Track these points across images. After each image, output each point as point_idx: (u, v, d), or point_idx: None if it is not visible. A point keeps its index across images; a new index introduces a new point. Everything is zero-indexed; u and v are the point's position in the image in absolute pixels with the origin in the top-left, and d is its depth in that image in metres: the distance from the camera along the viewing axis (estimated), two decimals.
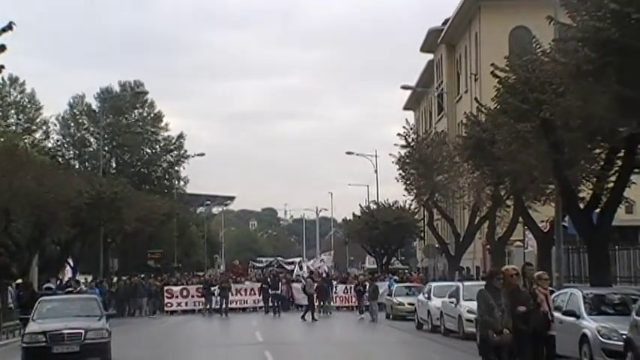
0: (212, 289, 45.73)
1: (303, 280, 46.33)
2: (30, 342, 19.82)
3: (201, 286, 46.89)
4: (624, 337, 16.30)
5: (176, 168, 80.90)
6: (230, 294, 46.29)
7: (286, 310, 44.00)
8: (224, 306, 43.68)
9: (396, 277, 49.72)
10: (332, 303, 43.44)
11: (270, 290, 44.26)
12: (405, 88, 62.24)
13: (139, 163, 79.96)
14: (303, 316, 38.97)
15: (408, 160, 44.22)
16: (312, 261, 59.57)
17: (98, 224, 48.64)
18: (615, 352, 16.42)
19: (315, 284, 42.17)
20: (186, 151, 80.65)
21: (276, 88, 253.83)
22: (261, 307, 45.37)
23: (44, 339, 19.65)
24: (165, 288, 46.47)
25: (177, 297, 45.97)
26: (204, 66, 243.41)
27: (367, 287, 40.16)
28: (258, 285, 46.60)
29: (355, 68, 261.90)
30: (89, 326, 20.13)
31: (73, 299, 25.47)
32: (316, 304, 40.82)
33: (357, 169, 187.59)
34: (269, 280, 46.15)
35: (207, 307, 45.07)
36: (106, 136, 73.87)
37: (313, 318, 38.50)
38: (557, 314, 17.19)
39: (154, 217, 59.11)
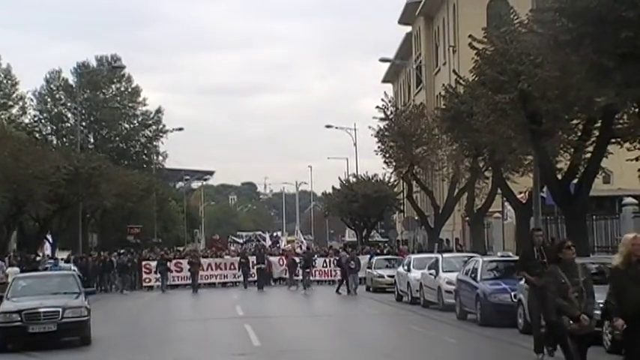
0: (168, 264, 45.05)
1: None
2: (4, 321, 18.78)
3: (181, 261, 46.26)
4: (601, 305, 16.39)
5: (155, 143, 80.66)
6: (210, 269, 46.19)
7: (266, 284, 43.94)
8: (194, 282, 42.93)
9: (377, 251, 49.82)
10: (312, 277, 43.33)
11: (255, 265, 44.07)
12: (383, 60, 62.06)
13: (117, 139, 79.61)
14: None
15: (386, 133, 44.17)
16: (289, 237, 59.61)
17: (76, 200, 48.43)
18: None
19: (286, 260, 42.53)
20: (164, 125, 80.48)
21: (254, 61, 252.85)
22: (241, 282, 45.13)
23: (19, 318, 18.71)
24: (144, 263, 45.43)
25: (155, 272, 45.24)
26: (181, 39, 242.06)
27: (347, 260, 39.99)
28: (238, 259, 46.26)
29: (333, 41, 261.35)
30: (66, 304, 19.18)
31: (49, 276, 24.59)
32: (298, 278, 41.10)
33: (337, 143, 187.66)
34: (256, 254, 46.05)
35: (164, 283, 43.66)
36: (83, 111, 73.47)
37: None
38: None
39: (133, 192, 59.03)
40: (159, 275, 44.65)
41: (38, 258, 43.33)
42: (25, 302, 19.28)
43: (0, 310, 19.28)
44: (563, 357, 11.74)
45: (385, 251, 48.79)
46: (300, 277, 42.37)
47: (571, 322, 10.82)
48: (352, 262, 38.41)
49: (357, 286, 38.18)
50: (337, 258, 42.96)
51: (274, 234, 69.07)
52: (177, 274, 45.61)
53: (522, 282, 17.76)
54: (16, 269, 32.98)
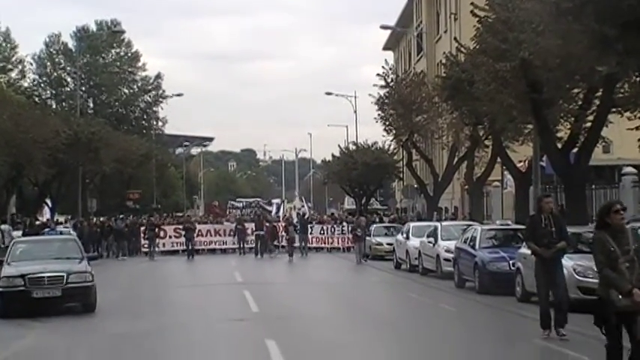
0: (161, 231, 44.79)
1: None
2: (6, 286, 18.37)
3: (180, 226, 45.92)
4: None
5: (154, 108, 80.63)
6: (209, 235, 46.12)
7: (265, 252, 43.69)
8: (190, 248, 42.34)
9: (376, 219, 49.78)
10: (308, 244, 43.14)
11: (254, 231, 43.98)
12: (384, 27, 61.70)
13: (117, 104, 79.51)
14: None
15: (387, 101, 44.05)
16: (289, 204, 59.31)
17: (76, 165, 48.38)
18: (591, 289, 16.51)
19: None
20: (164, 91, 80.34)
21: (254, 28, 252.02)
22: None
23: (22, 283, 18.27)
24: (142, 229, 45.44)
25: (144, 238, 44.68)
26: (181, 4, 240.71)
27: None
28: (233, 226, 45.83)
29: (334, 8, 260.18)
30: (71, 269, 18.75)
31: (50, 240, 24.02)
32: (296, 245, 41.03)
33: (337, 110, 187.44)
34: (255, 220, 45.93)
35: (151, 249, 42.99)
36: (82, 75, 73.25)
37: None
38: (528, 252, 17.30)
39: (133, 157, 59.01)
40: (157, 240, 44.21)
41: (38, 222, 43.22)
42: (28, 267, 18.84)
43: (2, 275, 18.83)
44: (604, 338, 9.69)
45: (387, 220, 48.53)
46: (297, 244, 42.25)
47: (620, 296, 9.15)
48: (358, 230, 37.36)
49: (362, 254, 36.80)
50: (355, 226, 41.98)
51: (277, 201, 68.76)
52: (175, 239, 45.44)
53: (529, 252, 17.26)
54: (19, 233, 32.84)
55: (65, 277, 18.47)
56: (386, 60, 48.11)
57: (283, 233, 44.87)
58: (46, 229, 37.46)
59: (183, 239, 43.86)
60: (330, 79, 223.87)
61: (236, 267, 35.07)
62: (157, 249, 43.71)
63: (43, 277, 18.43)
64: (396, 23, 67.56)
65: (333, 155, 66.65)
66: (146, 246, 43.79)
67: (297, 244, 42.17)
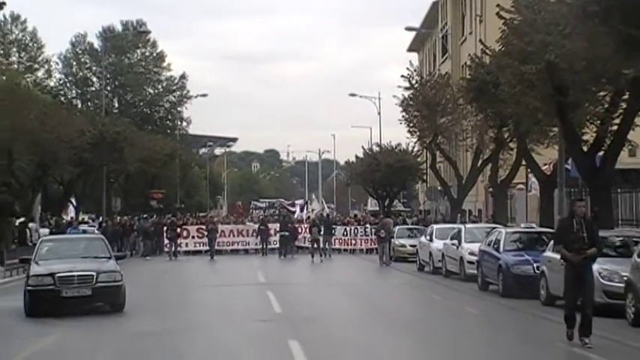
0: (184, 230, 44.87)
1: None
2: (36, 284, 18.16)
3: (203, 226, 46.02)
4: (625, 278, 16.38)
5: (178, 108, 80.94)
6: (232, 235, 46.16)
7: (290, 252, 43.63)
8: (212, 248, 42.56)
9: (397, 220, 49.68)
10: (331, 246, 43.07)
11: (277, 232, 44.03)
12: (409, 29, 61.58)
13: (142, 104, 79.87)
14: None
15: (411, 103, 43.94)
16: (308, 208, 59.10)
17: (101, 164, 48.61)
18: (616, 293, 16.50)
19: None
20: (188, 91, 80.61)
21: (278, 29, 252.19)
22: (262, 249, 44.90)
23: (52, 281, 18.06)
24: (165, 229, 45.55)
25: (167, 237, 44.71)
26: (206, 5, 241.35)
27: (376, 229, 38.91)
28: (256, 226, 45.83)
29: (359, 9, 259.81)
30: (100, 268, 18.63)
31: (77, 239, 23.64)
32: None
33: (360, 111, 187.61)
34: (279, 221, 45.92)
35: (172, 250, 42.70)
36: (108, 75, 73.67)
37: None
38: (553, 255, 17.22)
39: (157, 157, 59.19)
40: (180, 240, 44.27)
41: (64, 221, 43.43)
42: (57, 265, 18.63)
43: (31, 274, 18.66)
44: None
45: (411, 222, 48.43)
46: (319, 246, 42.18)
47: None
48: (382, 231, 37.16)
49: (387, 256, 36.56)
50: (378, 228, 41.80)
51: (300, 202, 68.68)
52: (198, 240, 45.39)
53: (554, 255, 16.96)
54: (46, 231, 32.97)
55: (95, 276, 18.33)
56: (410, 61, 48.05)
57: (306, 234, 44.91)
58: (69, 228, 37.70)
59: (206, 239, 43.96)
60: (354, 80, 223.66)
61: (259, 267, 35.13)
62: (179, 249, 43.76)
63: (73, 276, 18.29)
64: (421, 25, 67.38)
65: (356, 156, 66.62)
66: (168, 246, 43.64)
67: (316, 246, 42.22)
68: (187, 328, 16.76)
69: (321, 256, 40.80)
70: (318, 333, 15.93)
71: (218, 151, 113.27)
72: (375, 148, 62.84)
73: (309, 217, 52.12)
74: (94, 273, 18.37)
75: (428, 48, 74.32)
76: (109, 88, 74.95)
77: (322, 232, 42.00)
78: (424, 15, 69.48)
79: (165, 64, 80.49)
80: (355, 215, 61.36)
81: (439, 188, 48.90)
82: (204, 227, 45.21)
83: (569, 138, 25.56)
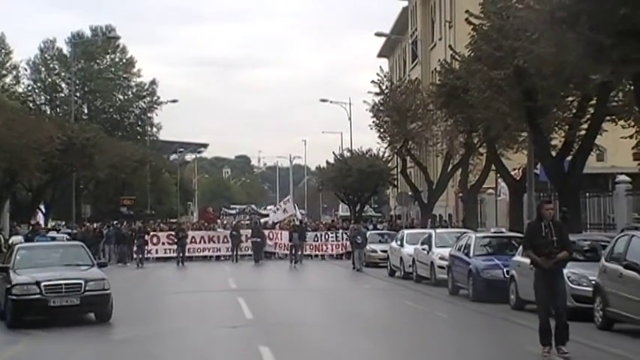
0: (157, 238, 44.58)
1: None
2: (21, 294, 17.23)
3: (173, 233, 45.70)
4: (593, 282, 16.50)
5: (149, 114, 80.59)
6: (203, 241, 45.95)
7: (262, 259, 43.56)
8: (181, 255, 42.31)
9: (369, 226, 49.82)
10: (303, 251, 43.07)
11: (250, 238, 43.97)
12: (379, 35, 61.77)
13: (111, 110, 79.49)
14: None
15: (381, 108, 44.07)
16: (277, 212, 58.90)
17: (70, 170, 48.32)
18: (584, 297, 16.62)
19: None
20: (159, 97, 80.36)
21: (250, 35, 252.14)
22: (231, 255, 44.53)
23: (38, 290, 17.18)
24: (133, 235, 45.04)
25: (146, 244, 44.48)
26: (177, 11, 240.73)
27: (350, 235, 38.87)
28: (227, 232, 45.75)
29: (330, 15, 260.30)
30: (88, 276, 17.87)
31: (55, 246, 22.85)
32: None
33: (331, 117, 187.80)
34: (252, 227, 45.84)
35: (140, 257, 42.05)
36: (77, 81, 73.26)
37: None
38: (522, 260, 17.32)
39: (127, 163, 58.96)
40: (150, 247, 44.10)
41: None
42: (42, 273, 17.79)
43: (14, 282, 17.61)
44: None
45: (382, 227, 48.60)
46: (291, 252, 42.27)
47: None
48: (358, 237, 37.01)
49: (360, 262, 36.54)
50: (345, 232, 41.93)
51: (272, 208, 68.52)
52: (169, 246, 45.17)
53: (523, 260, 16.63)
54: (20, 238, 32.45)
55: (83, 284, 17.58)
56: (380, 67, 48.14)
57: (278, 240, 44.96)
58: (36, 236, 37.00)
59: (174, 246, 43.74)
60: (325, 86, 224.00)
61: (230, 274, 35.02)
62: (148, 256, 43.36)
63: (61, 284, 17.47)
64: (391, 30, 67.66)
65: (327, 162, 66.67)
66: (136, 253, 42.94)
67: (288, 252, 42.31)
68: (157, 334, 16.68)
69: (296, 262, 40.81)
70: (289, 339, 15.90)
71: (189, 157, 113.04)
72: (346, 154, 62.91)
73: (286, 221, 51.60)
74: (82, 281, 17.64)
75: (398, 54, 74.59)
76: (78, 94, 74.50)
77: (295, 238, 42.05)
78: (394, 21, 69.78)
79: (135, 70, 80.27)
80: (332, 221, 61.36)
81: (410, 193, 49.03)
82: (174, 234, 44.97)
83: (538, 143, 25.74)
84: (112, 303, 18.09)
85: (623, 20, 16.20)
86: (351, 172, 57.58)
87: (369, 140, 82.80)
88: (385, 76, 45.71)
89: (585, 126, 24.66)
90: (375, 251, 38.52)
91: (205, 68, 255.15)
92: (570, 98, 24.91)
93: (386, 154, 55.66)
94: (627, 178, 27.92)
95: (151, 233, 45.72)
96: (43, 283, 17.36)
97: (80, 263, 18.97)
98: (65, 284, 17.51)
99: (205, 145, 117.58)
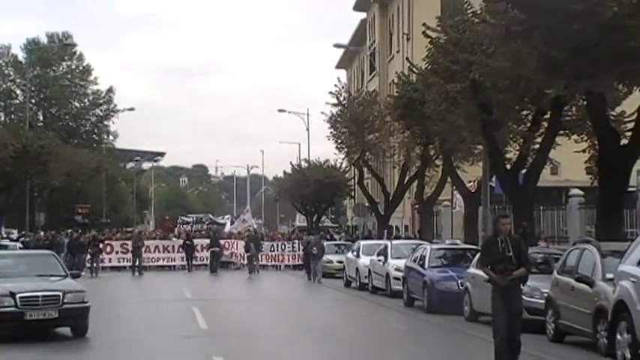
0: (109, 246, 44.28)
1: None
2: None
3: (127, 242, 45.16)
4: (545, 295, 16.67)
5: (105, 122, 79.81)
6: (157, 251, 45.48)
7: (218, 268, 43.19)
8: (137, 264, 41.77)
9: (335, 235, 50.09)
10: (259, 262, 42.88)
11: (207, 248, 43.68)
12: (337, 46, 62.06)
13: (67, 117, 78.64)
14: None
15: (339, 119, 44.25)
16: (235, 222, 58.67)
17: (24, 178, 47.78)
18: (537, 309, 16.76)
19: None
20: (115, 105, 79.57)
21: (208, 43, 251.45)
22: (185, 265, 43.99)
23: (13, 302, 15.91)
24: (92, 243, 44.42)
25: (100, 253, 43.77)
26: (135, 17, 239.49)
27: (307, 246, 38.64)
28: (181, 242, 45.20)
29: (289, 24, 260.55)
30: (65, 288, 16.64)
31: (24, 255, 21.30)
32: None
33: (289, 127, 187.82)
34: (210, 236, 45.56)
35: (94, 266, 41.15)
36: (32, 88, 72.41)
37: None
38: (477, 272, 17.44)
39: (82, 171, 58.44)
40: (104, 256, 43.49)
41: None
42: (15, 284, 16.47)
43: None
44: None
45: (339, 238, 48.66)
46: (246, 262, 42.17)
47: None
48: (314, 249, 36.75)
49: (319, 273, 36.21)
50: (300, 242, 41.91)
51: (228, 216, 68.22)
52: (122, 255, 44.65)
53: (477, 272, 16.65)
54: None
55: (61, 296, 16.31)
56: (338, 78, 48.33)
57: (235, 249, 44.82)
58: None
59: (130, 255, 43.27)
60: (284, 96, 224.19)
61: (185, 283, 34.81)
62: (101, 265, 42.71)
63: (38, 296, 16.13)
64: (350, 42, 67.92)
65: (285, 172, 66.70)
66: (89, 262, 41.79)
67: (245, 262, 42.16)
68: (107, 344, 16.51)
69: (252, 272, 40.67)
70: (243, 349, 15.83)
71: (146, 165, 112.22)
72: (304, 164, 62.98)
73: (243, 231, 51.29)
74: (60, 293, 16.35)
75: (356, 65, 74.89)
76: (33, 100, 73.65)
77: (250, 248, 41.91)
78: (353, 32, 70.06)
79: (91, 78, 79.50)
80: (293, 231, 61.35)
81: (367, 204, 49.22)
82: (128, 243, 44.48)
83: (492, 155, 25.99)
84: (88, 317, 16.90)
85: (576, 36, 16.43)
86: (308, 183, 57.67)
87: (327, 151, 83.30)
88: (343, 87, 45.92)
89: (539, 140, 24.94)
90: (331, 262, 38.51)
91: (163, 75, 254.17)
92: (525, 112, 25.21)
93: (343, 165, 55.84)
94: (580, 192, 28.29)
95: (105, 242, 45.13)
96: (18, 295, 16.02)
97: (53, 274, 17.65)
98: (43, 296, 16.22)
99: (162, 154, 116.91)
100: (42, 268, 17.92)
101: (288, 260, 46.01)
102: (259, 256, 43.07)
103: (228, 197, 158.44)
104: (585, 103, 21.56)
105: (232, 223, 60.23)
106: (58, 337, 17.03)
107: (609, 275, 13.95)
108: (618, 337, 12.61)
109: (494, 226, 12.86)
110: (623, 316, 12.46)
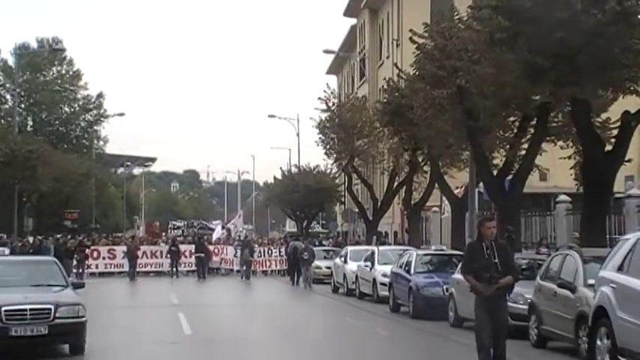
0: (99, 252, 44.15)
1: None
2: None
3: (115, 247, 45.02)
4: (529, 301, 16.69)
5: (95, 127, 79.68)
6: (145, 257, 45.19)
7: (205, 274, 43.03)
8: (132, 269, 41.81)
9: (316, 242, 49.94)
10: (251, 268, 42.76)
11: (193, 253, 43.52)
12: (327, 52, 62.02)
13: (57, 122, 78.53)
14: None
15: (328, 125, 44.28)
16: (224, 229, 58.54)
17: (12, 183, 47.67)
18: (520, 315, 16.78)
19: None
20: (105, 110, 79.48)
21: (198, 47, 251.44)
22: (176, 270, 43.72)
23: None
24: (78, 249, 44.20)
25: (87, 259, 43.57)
26: (124, 21, 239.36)
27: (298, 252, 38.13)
28: (167, 247, 44.84)
29: (280, 30, 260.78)
30: (59, 300, 14.89)
31: (22, 262, 19.04)
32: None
33: (280, 133, 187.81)
34: (195, 242, 45.41)
35: (79, 271, 40.55)
36: (22, 93, 72.29)
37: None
38: (462, 277, 17.44)
39: (72, 177, 58.29)
40: (91, 261, 43.26)
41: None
42: (2, 295, 14.82)
43: None
44: None
45: (327, 243, 48.70)
46: (236, 268, 42.06)
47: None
48: (305, 254, 36.28)
49: (310, 279, 35.86)
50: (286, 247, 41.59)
51: (218, 222, 68.13)
52: (110, 261, 44.50)
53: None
54: None
55: (53, 310, 14.57)
56: (327, 84, 48.43)
57: (224, 255, 44.72)
58: None
59: (117, 261, 43.15)
60: (275, 101, 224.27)
61: (172, 289, 34.74)
62: (88, 271, 42.45)
63: (25, 309, 14.44)
64: (340, 48, 67.96)
65: (275, 178, 66.72)
66: (75, 268, 41.19)
67: (236, 267, 42.08)
68: (91, 351, 16.43)
69: (243, 277, 40.62)
70: (228, 355, 15.85)
71: (136, 170, 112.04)
72: (294, 170, 63.01)
73: (244, 238, 51.00)
74: (51, 306, 14.59)
75: (347, 71, 74.95)
76: (22, 105, 73.51)
77: (239, 254, 41.89)
78: (343, 38, 70.15)
79: (81, 83, 79.42)
80: (285, 237, 61.28)
81: (355, 210, 49.24)
82: (115, 248, 44.24)
83: (479, 162, 26.03)
84: (85, 333, 15.21)
85: (559, 43, 16.51)
86: (298, 188, 57.72)
87: (317, 157, 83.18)
88: (332, 93, 45.97)
89: (525, 146, 25.00)
90: (319, 267, 38.49)
91: (153, 81, 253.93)
92: (511, 118, 25.27)
93: (333, 171, 55.87)
94: (567, 198, 28.35)
95: (92, 247, 44.92)
96: (3, 309, 14.30)
97: (52, 283, 15.92)
98: (31, 309, 14.48)
99: (153, 159, 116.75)
100: (41, 277, 16.17)
101: (275, 265, 45.86)
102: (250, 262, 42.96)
103: (219, 203, 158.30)
104: (570, 109, 21.61)
105: (223, 227, 60.16)
106: (46, 352, 15.68)
107: (591, 281, 13.98)
108: (598, 342, 12.64)
109: (478, 230, 11.90)
110: (603, 321, 12.48)
